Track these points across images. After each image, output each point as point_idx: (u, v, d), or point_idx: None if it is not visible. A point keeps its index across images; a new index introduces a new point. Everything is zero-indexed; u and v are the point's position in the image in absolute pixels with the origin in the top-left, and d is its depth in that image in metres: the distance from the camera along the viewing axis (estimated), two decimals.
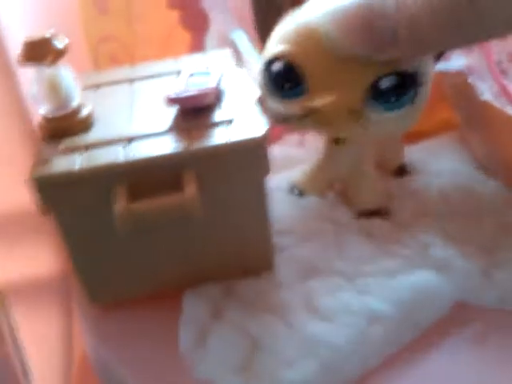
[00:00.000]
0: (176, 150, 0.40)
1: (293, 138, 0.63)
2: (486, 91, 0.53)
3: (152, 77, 0.50)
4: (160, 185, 0.39)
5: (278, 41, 0.45)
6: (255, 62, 0.53)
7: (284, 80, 0.44)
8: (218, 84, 0.45)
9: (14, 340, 0.53)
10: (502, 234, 0.48)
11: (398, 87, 0.43)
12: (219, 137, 0.40)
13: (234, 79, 0.47)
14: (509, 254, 0.46)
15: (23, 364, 0.55)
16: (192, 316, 0.43)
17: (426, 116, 0.54)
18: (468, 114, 0.56)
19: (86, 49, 0.59)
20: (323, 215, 0.51)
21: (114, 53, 0.60)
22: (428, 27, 0.37)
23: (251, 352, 0.41)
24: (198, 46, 0.61)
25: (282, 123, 0.48)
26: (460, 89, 0.55)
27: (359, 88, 0.43)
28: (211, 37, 0.60)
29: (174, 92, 0.42)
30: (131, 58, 0.60)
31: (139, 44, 0.61)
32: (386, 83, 0.43)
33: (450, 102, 0.58)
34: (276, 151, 0.59)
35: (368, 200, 0.52)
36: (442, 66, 0.55)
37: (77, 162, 0.39)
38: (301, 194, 0.53)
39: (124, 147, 0.40)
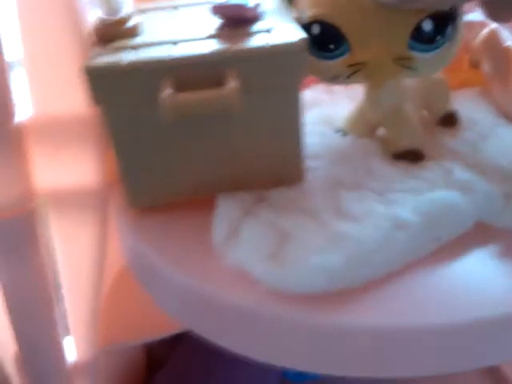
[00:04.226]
0: (219, 49, 0.42)
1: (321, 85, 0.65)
2: (510, 38, 0.56)
3: (196, 4, 0.52)
4: (203, 83, 0.42)
5: (312, 3, 0.46)
6: None
7: (325, 42, 0.46)
8: (260, 4, 0.47)
9: (49, 249, 0.56)
10: None
11: (438, 27, 0.45)
12: (259, 40, 0.43)
13: (274, 5, 0.50)
14: None
15: (55, 273, 0.57)
16: (225, 213, 0.46)
17: (447, 77, 0.56)
18: (493, 62, 0.58)
19: None
20: (351, 145, 0.54)
21: None
22: None
23: (281, 242, 0.43)
24: None
25: (330, 82, 0.50)
26: (485, 38, 0.58)
27: (400, 35, 0.44)
28: None
29: (220, 2, 0.45)
30: None
31: None
32: (427, 26, 0.44)
33: (474, 54, 0.60)
34: (305, 95, 0.61)
35: (404, 141, 0.52)
36: (465, 18, 0.57)
37: (126, 57, 0.42)
38: (344, 134, 0.55)
39: (170, 47, 0.43)
